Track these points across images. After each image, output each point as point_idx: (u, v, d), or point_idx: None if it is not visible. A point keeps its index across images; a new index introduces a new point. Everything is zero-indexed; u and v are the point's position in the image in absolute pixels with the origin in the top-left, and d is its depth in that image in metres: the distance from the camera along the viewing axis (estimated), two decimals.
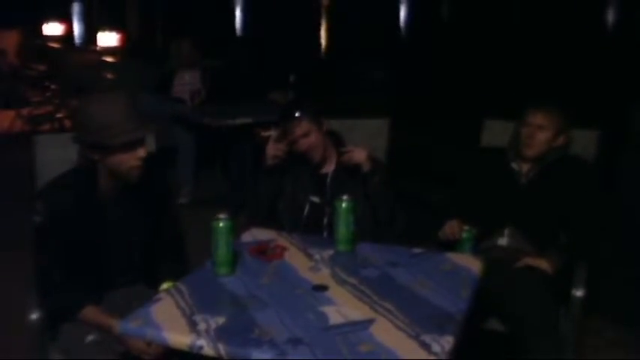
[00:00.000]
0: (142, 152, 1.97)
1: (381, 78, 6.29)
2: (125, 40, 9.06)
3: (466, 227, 2.44)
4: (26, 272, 2.06)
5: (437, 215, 2.55)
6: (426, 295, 1.78)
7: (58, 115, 7.08)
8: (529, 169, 2.53)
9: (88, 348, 1.92)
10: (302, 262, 2.03)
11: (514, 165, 2.55)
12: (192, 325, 1.61)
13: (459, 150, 3.23)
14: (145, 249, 2.16)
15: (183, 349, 1.58)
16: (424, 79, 5.96)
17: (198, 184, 4.94)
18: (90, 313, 1.96)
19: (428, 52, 6.00)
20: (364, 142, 2.60)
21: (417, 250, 2.11)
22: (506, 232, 2.49)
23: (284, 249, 2.12)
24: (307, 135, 2.42)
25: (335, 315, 1.66)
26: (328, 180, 2.52)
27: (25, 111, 7.36)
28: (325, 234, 2.44)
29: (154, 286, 2.08)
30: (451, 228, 2.44)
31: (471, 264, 2.01)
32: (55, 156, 2.20)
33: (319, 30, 6.90)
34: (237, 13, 7.56)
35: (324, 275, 1.93)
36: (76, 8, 10.85)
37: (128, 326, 1.66)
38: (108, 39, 9.16)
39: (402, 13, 6.23)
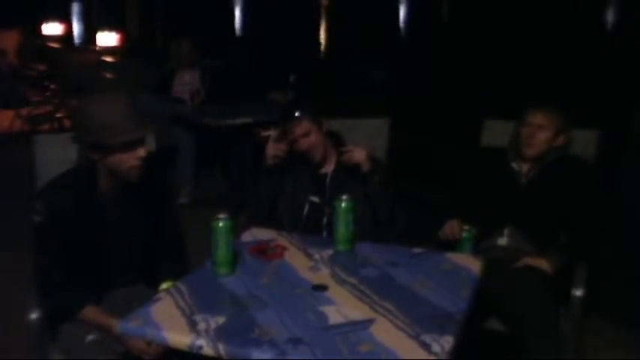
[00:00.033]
0: (141, 152, 1.97)
1: (381, 78, 6.29)
2: (125, 40, 9.06)
3: (466, 227, 2.44)
4: (26, 272, 2.06)
5: (437, 215, 2.55)
6: (426, 295, 1.78)
7: (58, 115, 7.07)
8: (529, 169, 2.53)
9: (88, 348, 1.92)
10: (302, 261, 2.03)
11: (514, 165, 2.55)
12: (192, 325, 1.61)
13: (459, 150, 3.23)
14: (145, 249, 2.16)
15: (183, 348, 1.58)
16: (424, 79, 5.96)
17: (198, 184, 4.94)
18: (90, 312, 1.96)
19: (428, 52, 5.99)
20: (364, 142, 2.60)
21: (417, 250, 2.11)
22: (506, 232, 2.49)
23: (284, 249, 2.12)
24: (307, 135, 2.43)
25: (335, 315, 1.66)
26: (328, 180, 2.52)
27: (24, 111, 7.35)
28: (325, 234, 2.44)
29: (154, 286, 2.08)
30: (451, 228, 2.44)
31: (471, 264, 2.01)
32: (55, 156, 2.20)
33: (319, 30, 6.90)
34: (237, 13, 7.56)
35: (323, 275, 1.93)
36: (75, 8, 10.84)
37: (128, 326, 1.66)
38: (107, 39, 9.15)
39: (402, 13, 6.23)
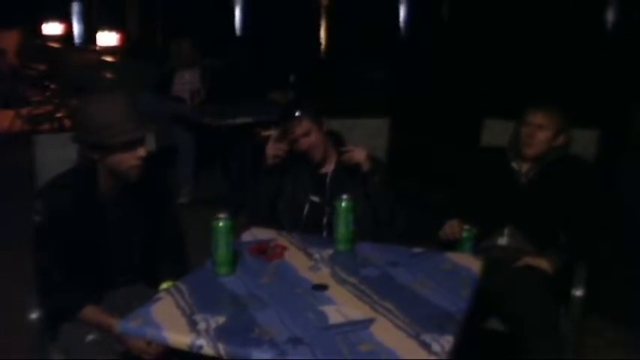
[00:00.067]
0: (141, 152, 1.97)
1: (381, 78, 6.29)
2: (125, 40, 9.06)
3: (466, 227, 2.44)
4: (26, 272, 2.06)
5: (437, 215, 2.55)
6: (426, 294, 1.78)
7: (58, 115, 7.08)
8: (529, 169, 2.53)
9: (88, 348, 1.92)
10: (302, 261, 2.03)
11: (514, 164, 2.55)
12: (192, 325, 1.61)
13: (459, 150, 3.22)
14: (145, 249, 2.16)
15: (183, 348, 1.58)
16: (424, 79, 5.96)
17: (198, 183, 4.94)
18: (90, 312, 1.96)
19: (428, 52, 5.99)
20: (364, 142, 2.60)
21: (417, 250, 2.11)
22: (506, 231, 2.49)
23: (284, 248, 2.12)
24: (308, 134, 2.43)
25: (335, 314, 1.66)
26: (328, 179, 2.52)
27: (24, 111, 7.36)
28: (325, 233, 2.44)
29: (154, 285, 2.08)
30: (451, 228, 2.44)
31: (471, 264, 2.01)
32: (55, 156, 2.20)
33: (319, 30, 6.90)
34: (237, 12, 7.56)
35: (324, 275, 1.93)
36: (75, 8, 10.84)
37: (128, 326, 1.66)
38: (107, 39, 9.15)
39: (402, 13, 6.23)
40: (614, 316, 3.06)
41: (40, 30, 10.72)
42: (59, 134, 2.55)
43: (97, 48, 9.12)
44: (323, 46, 6.91)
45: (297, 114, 2.42)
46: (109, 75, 6.55)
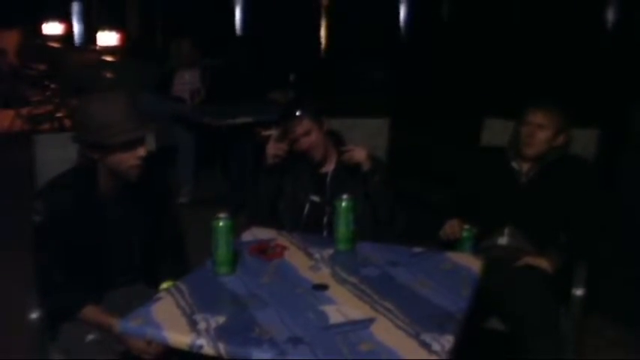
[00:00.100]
0: (141, 151, 1.97)
1: (381, 78, 6.29)
2: (125, 40, 9.05)
3: (466, 226, 2.44)
4: (26, 272, 2.06)
5: (437, 215, 2.55)
6: (426, 294, 1.78)
7: (58, 115, 7.08)
8: (529, 169, 2.53)
9: (88, 347, 1.92)
10: (302, 261, 2.03)
11: (514, 164, 2.55)
12: (193, 325, 1.61)
13: (458, 150, 3.22)
14: (145, 249, 2.16)
15: (183, 348, 1.58)
16: (424, 79, 5.96)
17: (198, 183, 4.94)
18: (90, 312, 1.96)
19: (428, 52, 5.99)
20: (364, 142, 2.60)
21: (417, 250, 2.11)
22: (506, 231, 2.48)
23: (284, 248, 2.12)
24: (308, 133, 2.43)
25: (335, 314, 1.66)
26: (328, 179, 2.52)
27: (24, 110, 7.36)
28: (325, 233, 2.44)
29: (154, 285, 2.08)
30: (451, 227, 2.44)
31: (471, 263, 2.01)
32: (55, 155, 2.19)
33: (319, 30, 6.90)
34: (237, 12, 7.56)
35: (324, 274, 1.93)
36: (75, 8, 10.83)
37: (128, 325, 1.66)
38: (108, 38, 9.14)
39: (402, 13, 6.23)
40: (614, 315, 3.06)
41: (40, 30, 10.70)
42: (59, 134, 2.55)
43: (97, 48, 9.11)
44: (323, 46, 6.91)
45: (297, 113, 2.42)
46: (109, 75, 6.55)
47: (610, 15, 4.46)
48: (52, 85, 7.63)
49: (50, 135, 3.77)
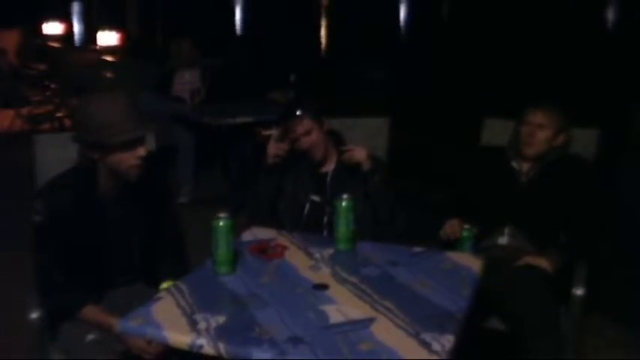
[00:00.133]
0: (141, 151, 1.97)
1: (381, 78, 6.29)
2: (125, 40, 9.06)
3: (466, 226, 2.44)
4: (26, 272, 2.06)
5: (437, 215, 2.55)
6: (426, 293, 1.78)
7: (58, 115, 7.08)
8: (529, 168, 2.53)
9: (88, 347, 1.92)
10: (302, 261, 2.03)
11: (514, 164, 2.55)
12: (193, 324, 1.61)
13: (458, 149, 3.23)
14: (145, 248, 2.16)
15: (183, 348, 1.58)
16: (424, 79, 5.96)
17: (198, 183, 4.94)
18: (90, 312, 1.96)
19: (428, 52, 5.99)
20: (364, 141, 2.60)
21: (417, 249, 2.11)
22: (506, 231, 2.48)
23: (284, 248, 2.12)
24: (309, 133, 2.43)
25: (335, 314, 1.66)
26: (328, 179, 2.52)
27: (25, 110, 7.36)
28: (325, 233, 2.44)
29: (154, 285, 2.08)
30: (451, 227, 2.44)
31: (472, 263, 2.01)
32: (55, 155, 2.19)
33: (319, 30, 6.90)
34: (237, 12, 7.56)
35: (324, 274, 1.93)
36: (75, 8, 10.84)
37: (128, 325, 1.66)
38: (108, 38, 9.15)
39: (402, 13, 6.23)
40: (614, 315, 3.06)
41: (40, 30, 10.71)
42: (59, 134, 2.55)
43: (97, 48, 9.12)
44: (323, 46, 6.91)
45: (298, 112, 2.42)
46: (109, 74, 6.55)
47: (610, 15, 4.46)
48: (52, 85, 7.63)
49: (50, 135, 3.77)
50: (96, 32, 9.53)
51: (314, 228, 2.45)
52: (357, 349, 1.49)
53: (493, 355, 2.45)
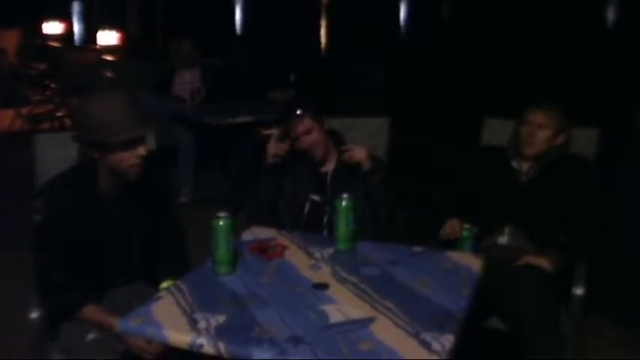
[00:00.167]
0: (141, 151, 1.97)
1: (381, 78, 6.29)
2: (125, 39, 9.05)
3: (466, 226, 2.44)
4: (26, 272, 2.06)
5: (437, 215, 2.55)
6: (426, 293, 1.78)
7: (58, 114, 7.07)
8: (529, 168, 2.53)
9: (89, 347, 1.92)
10: (302, 260, 2.03)
11: (514, 164, 2.55)
12: (193, 324, 1.61)
13: (459, 149, 3.22)
14: (145, 248, 2.16)
15: (183, 347, 1.58)
16: (424, 79, 5.96)
17: (198, 183, 4.94)
18: (90, 311, 1.96)
19: (428, 52, 6.00)
20: (364, 141, 2.60)
21: (417, 249, 2.11)
22: (506, 230, 2.48)
23: (284, 247, 2.12)
24: (309, 132, 2.43)
25: (335, 313, 1.66)
26: (328, 178, 2.52)
27: (25, 110, 7.35)
28: (325, 232, 2.44)
29: (154, 285, 2.08)
30: (451, 227, 2.44)
31: (472, 262, 2.01)
32: (55, 155, 2.19)
33: (319, 30, 6.90)
34: (238, 11, 7.56)
35: (324, 274, 1.93)
36: (76, 7, 10.84)
37: (128, 325, 1.66)
38: (108, 38, 9.15)
39: (402, 13, 6.23)
40: (614, 315, 3.06)
41: (40, 29, 10.71)
42: (59, 133, 2.55)
43: (98, 47, 9.12)
44: (323, 46, 6.91)
45: (298, 112, 2.42)
46: (109, 74, 6.55)
47: (610, 15, 4.46)
48: (52, 85, 7.63)
49: (50, 134, 3.77)
50: (96, 32, 9.53)
51: (314, 228, 2.45)
52: (357, 348, 1.49)
53: (493, 355, 2.45)
